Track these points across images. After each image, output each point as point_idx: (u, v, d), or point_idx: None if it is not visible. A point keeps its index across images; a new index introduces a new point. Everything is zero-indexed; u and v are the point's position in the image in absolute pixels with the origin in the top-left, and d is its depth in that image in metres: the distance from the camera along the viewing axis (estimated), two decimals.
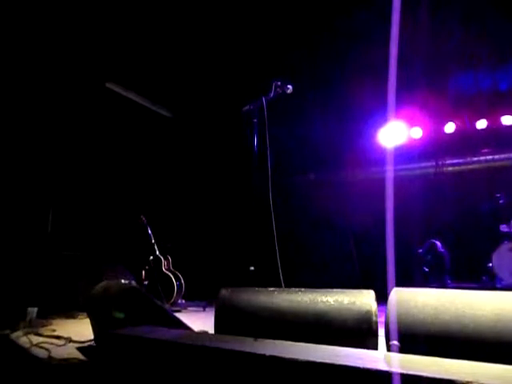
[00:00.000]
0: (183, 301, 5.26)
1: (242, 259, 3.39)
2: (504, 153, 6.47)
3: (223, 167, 7.33)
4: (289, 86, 3.43)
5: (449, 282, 5.99)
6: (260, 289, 2.46)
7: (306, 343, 1.77)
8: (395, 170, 6.83)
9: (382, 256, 2.65)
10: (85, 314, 3.76)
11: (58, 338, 2.85)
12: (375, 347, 1.98)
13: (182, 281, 5.21)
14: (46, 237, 4.82)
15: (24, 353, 2.48)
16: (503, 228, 5.49)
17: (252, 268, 3.23)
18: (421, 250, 6.30)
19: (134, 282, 5.08)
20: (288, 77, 3.67)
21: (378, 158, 7.01)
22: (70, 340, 2.75)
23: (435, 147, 6.99)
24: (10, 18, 4.55)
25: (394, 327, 1.81)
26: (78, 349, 2.52)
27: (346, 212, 6.90)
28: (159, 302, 2.71)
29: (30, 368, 2.20)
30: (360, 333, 2.00)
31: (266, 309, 2.26)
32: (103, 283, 2.96)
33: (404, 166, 7.06)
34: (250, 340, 1.83)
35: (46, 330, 3.17)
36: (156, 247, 5.34)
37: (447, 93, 6.60)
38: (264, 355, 1.51)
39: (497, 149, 6.50)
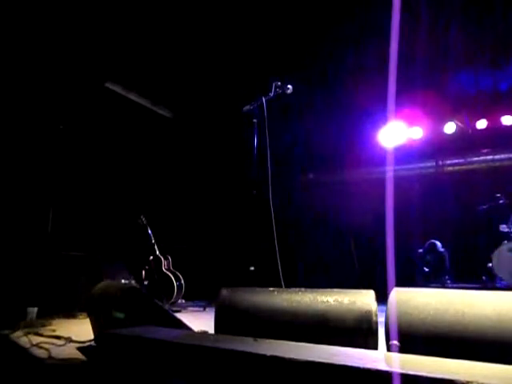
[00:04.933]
0: (183, 301, 5.26)
1: (242, 259, 3.39)
2: (504, 153, 6.47)
3: (223, 167, 7.33)
4: (289, 86, 3.44)
5: (449, 281, 5.99)
6: (260, 289, 2.46)
7: (306, 343, 1.77)
8: (395, 170, 6.84)
9: (382, 256, 2.65)
10: (85, 313, 3.76)
11: (58, 338, 2.85)
12: (375, 347, 1.98)
13: (182, 281, 5.21)
14: (46, 237, 4.82)
15: (24, 353, 2.48)
16: (503, 228, 5.49)
17: (252, 268, 3.23)
18: (421, 250, 6.30)
19: (133, 282, 5.09)
20: (288, 77, 3.68)
21: (378, 158, 7.01)
22: (70, 340, 2.75)
23: (435, 147, 6.99)
24: (10, 18, 4.55)
25: (393, 327, 1.81)
26: (78, 349, 2.52)
27: (346, 212, 6.90)
28: (159, 302, 2.71)
29: (30, 368, 2.20)
30: (360, 333, 2.00)
31: (266, 309, 2.26)
32: (103, 283, 2.97)
33: (404, 166, 7.06)
34: (250, 340, 1.83)
35: (46, 330, 3.17)
36: (156, 247, 5.34)
37: (447, 93, 6.60)
38: (264, 355, 1.51)
39: (497, 149, 6.50)
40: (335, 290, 2.22)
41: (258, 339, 1.82)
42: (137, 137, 6.58)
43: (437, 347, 1.68)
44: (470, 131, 6.66)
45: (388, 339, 1.84)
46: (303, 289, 2.31)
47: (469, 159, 6.78)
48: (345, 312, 2.06)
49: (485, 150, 6.62)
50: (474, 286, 5.64)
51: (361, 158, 7.20)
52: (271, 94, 3.43)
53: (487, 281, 5.58)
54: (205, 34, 5.51)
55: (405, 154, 6.99)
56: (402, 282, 2.12)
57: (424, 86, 6.09)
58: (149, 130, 6.82)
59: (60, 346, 2.64)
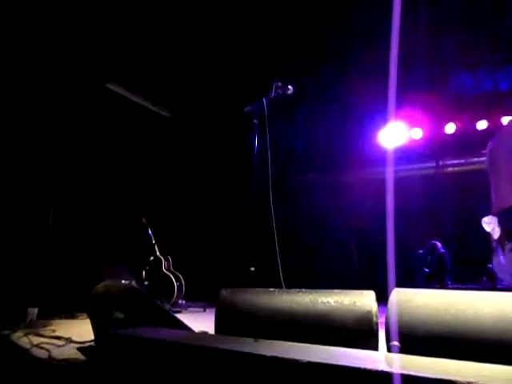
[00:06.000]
0: (183, 301, 5.25)
1: (242, 260, 3.39)
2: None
3: (224, 168, 7.33)
4: (289, 87, 3.43)
5: (449, 282, 5.98)
6: (260, 289, 2.45)
7: (306, 344, 1.77)
8: (396, 171, 6.84)
9: (382, 257, 2.65)
10: (85, 314, 3.76)
11: (58, 338, 2.85)
12: (376, 348, 1.98)
13: (183, 281, 5.20)
14: (46, 237, 4.82)
15: (24, 353, 2.48)
16: None
17: (252, 268, 3.23)
18: (421, 251, 6.29)
19: (134, 283, 5.08)
20: (289, 77, 3.68)
21: (378, 158, 7.01)
22: (70, 340, 2.75)
23: (436, 148, 6.99)
24: (10, 19, 4.56)
25: (394, 328, 1.81)
26: (79, 349, 2.52)
27: (347, 213, 6.90)
28: (159, 303, 2.71)
29: (31, 368, 2.20)
30: (360, 333, 2.00)
31: (266, 309, 2.26)
32: (104, 284, 2.96)
33: (404, 167, 7.06)
34: (250, 340, 1.83)
35: (46, 331, 3.17)
36: (156, 248, 5.34)
37: (448, 93, 6.60)
38: (264, 356, 1.51)
39: None
40: (335, 290, 2.21)
41: (259, 340, 1.82)
42: (137, 137, 6.58)
43: (437, 348, 1.68)
44: (471, 132, 6.66)
45: (388, 340, 1.84)
46: (303, 289, 2.31)
47: (469, 160, 6.77)
48: (345, 313, 2.06)
49: (485, 151, 6.61)
50: (474, 286, 5.63)
51: (361, 158, 7.20)
52: (272, 95, 3.43)
53: (488, 281, 5.57)
54: (205, 35, 5.51)
55: (405, 155, 6.99)
56: (402, 283, 2.11)
57: (424, 86, 6.09)
58: (149, 130, 6.83)
59: (60, 346, 2.63)
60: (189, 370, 1.73)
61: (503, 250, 4.91)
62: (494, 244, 5.24)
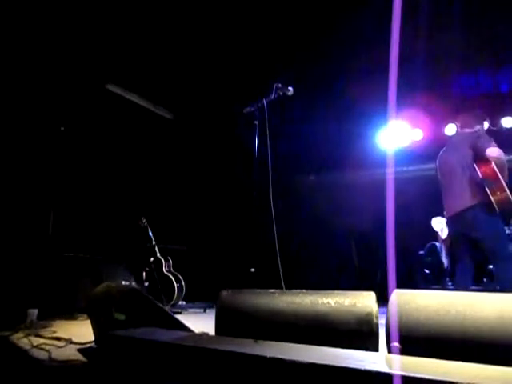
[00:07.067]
0: (184, 302, 5.26)
1: (242, 261, 3.39)
2: (504, 154, 6.45)
3: (224, 169, 7.33)
4: (290, 88, 3.44)
5: (449, 283, 5.98)
6: (261, 290, 2.45)
7: (306, 345, 1.77)
8: (396, 172, 6.83)
9: (382, 258, 2.65)
10: (85, 315, 3.76)
11: (58, 339, 2.85)
12: (376, 349, 1.98)
13: (183, 282, 5.20)
14: (46, 238, 4.82)
15: (24, 354, 2.48)
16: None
17: (253, 269, 3.23)
18: (422, 252, 6.30)
19: (134, 284, 5.09)
20: (289, 78, 3.68)
21: (379, 159, 7.01)
22: (70, 341, 2.75)
23: (436, 149, 6.98)
24: (10, 20, 4.56)
25: (394, 329, 1.81)
26: (79, 350, 2.52)
27: (347, 214, 6.90)
28: (160, 304, 2.70)
29: (31, 370, 2.20)
30: (361, 334, 2.00)
31: (266, 310, 2.26)
32: (104, 285, 2.96)
33: (405, 168, 7.06)
34: (250, 342, 1.83)
35: (46, 332, 3.16)
36: (157, 249, 5.34)
37: (448, 94, 6.60)
38: (265, 357, 1.51)
39: None
40: (336, 291, 2.21)
41: (259, 341, 1.82)
42: (137, 138, 6.58)
43: (438, 349, 1.68)
44: None
45: (389, 341, 1.83)
46: (304, 290, 2.31)
47: None
48: (345, 314, 2.06)
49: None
50: (474, 287, 5.63)
51: (362, 159, 7.20)
52: (272, 96, 3.43)
53: (488, 283, 5.56)
54: (206, 36, 5.52)
55: (405, 156, 6.99)
56: (402, 284, 2.11)
57: (425, 87, 6.09)
58: (149, 131, 6.83)
59: (60, 347, 2.63)
60: (189, 371, 1.72)
61: (446, 251, 5.15)
62: (439, 245, 5.47)
